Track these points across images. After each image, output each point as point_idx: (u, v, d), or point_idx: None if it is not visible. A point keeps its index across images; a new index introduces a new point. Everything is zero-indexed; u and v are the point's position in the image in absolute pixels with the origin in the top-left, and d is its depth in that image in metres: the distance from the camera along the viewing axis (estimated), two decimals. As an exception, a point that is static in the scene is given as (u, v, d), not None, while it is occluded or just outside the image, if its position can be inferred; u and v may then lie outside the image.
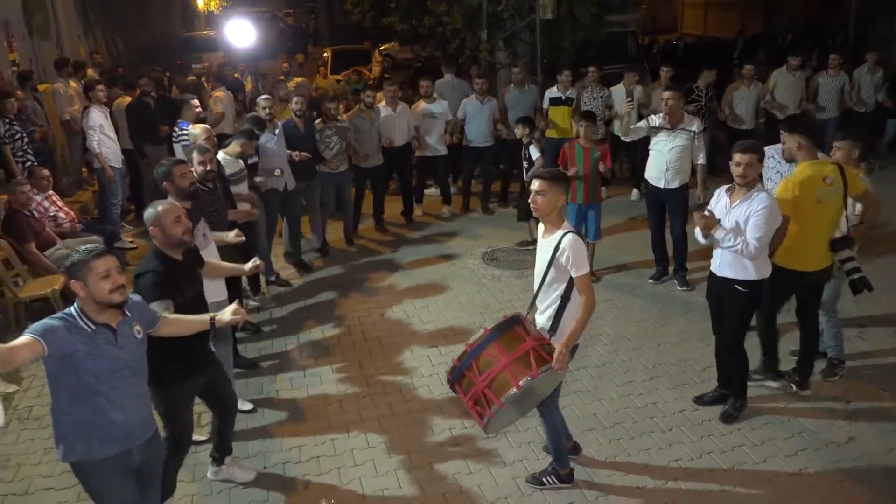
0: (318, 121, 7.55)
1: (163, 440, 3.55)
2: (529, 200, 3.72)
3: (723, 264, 4.35)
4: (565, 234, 3.61)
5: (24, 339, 2.80)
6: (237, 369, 5.20)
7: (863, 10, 17.48)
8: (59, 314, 3.01)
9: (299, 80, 11.93)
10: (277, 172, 6.67)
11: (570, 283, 3.63)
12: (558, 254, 3.59)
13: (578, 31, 11.26)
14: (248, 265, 4.32)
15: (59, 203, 7.14)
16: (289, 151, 6.91)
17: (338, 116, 7.69)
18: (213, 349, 4.07)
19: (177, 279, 3.66)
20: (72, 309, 3.01)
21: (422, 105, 8.56)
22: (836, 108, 9.61)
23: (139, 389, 3.17)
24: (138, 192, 9.06)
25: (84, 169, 10.02)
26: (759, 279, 4.27)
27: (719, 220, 4.24)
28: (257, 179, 6.42)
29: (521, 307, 3.84)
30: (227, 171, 5.78)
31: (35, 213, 6.57)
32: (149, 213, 3.74)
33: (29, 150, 7.67)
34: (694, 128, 6.22)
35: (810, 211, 4.38)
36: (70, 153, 9.92)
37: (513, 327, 3.57)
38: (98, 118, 7.71)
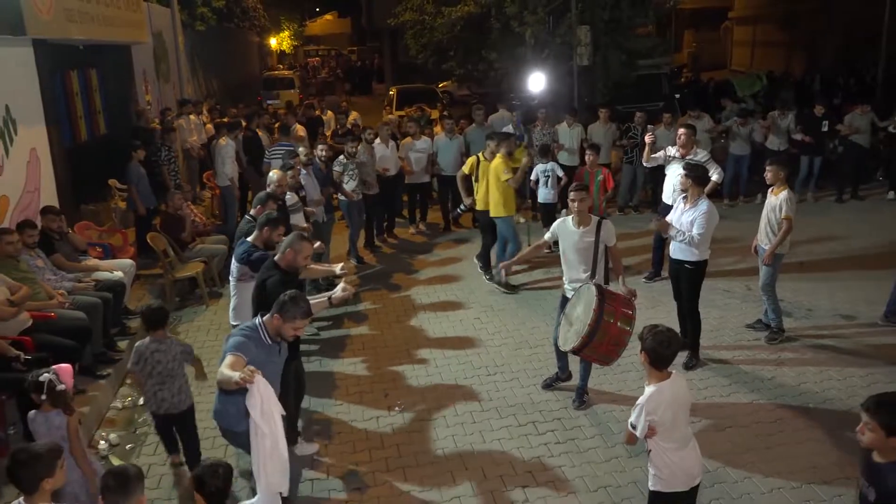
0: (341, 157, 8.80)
1: None
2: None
3: (675, 250, 6.10)
4: (601, 220, 5.37)
5: (230, 358, 3.63)
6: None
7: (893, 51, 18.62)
8: (246, 327, 3.90)
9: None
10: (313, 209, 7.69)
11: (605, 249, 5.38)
12: (603, 233, 5.28)
13: (610, 75, 13.10)
14: (338, 267, 5.37)
15: (195, 210, 9.40)
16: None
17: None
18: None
19: (288, 283, 4.53)
20: (256, 322, 3.96)
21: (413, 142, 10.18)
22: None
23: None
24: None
25: (197, 187, 12.37)
26: (702, 260, 6.01)
27: (670, 223, 5.95)
28: (308, 209, 7.45)
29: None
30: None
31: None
32: (293, 239, 4.70)
33: (177, 171, 10.04)
34: (699, 157, 7.64)
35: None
36: (188, 174, 12.30)
37: (603, 303, 4.78)
38: (230, 149, 10.05)
